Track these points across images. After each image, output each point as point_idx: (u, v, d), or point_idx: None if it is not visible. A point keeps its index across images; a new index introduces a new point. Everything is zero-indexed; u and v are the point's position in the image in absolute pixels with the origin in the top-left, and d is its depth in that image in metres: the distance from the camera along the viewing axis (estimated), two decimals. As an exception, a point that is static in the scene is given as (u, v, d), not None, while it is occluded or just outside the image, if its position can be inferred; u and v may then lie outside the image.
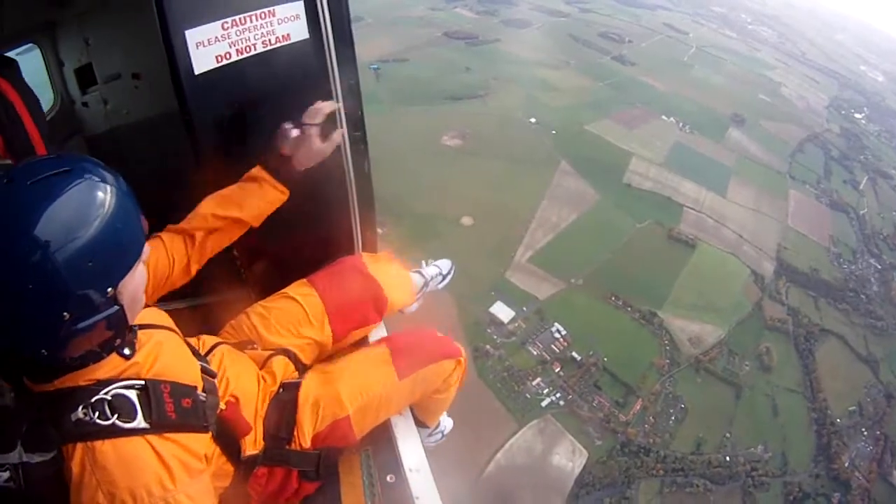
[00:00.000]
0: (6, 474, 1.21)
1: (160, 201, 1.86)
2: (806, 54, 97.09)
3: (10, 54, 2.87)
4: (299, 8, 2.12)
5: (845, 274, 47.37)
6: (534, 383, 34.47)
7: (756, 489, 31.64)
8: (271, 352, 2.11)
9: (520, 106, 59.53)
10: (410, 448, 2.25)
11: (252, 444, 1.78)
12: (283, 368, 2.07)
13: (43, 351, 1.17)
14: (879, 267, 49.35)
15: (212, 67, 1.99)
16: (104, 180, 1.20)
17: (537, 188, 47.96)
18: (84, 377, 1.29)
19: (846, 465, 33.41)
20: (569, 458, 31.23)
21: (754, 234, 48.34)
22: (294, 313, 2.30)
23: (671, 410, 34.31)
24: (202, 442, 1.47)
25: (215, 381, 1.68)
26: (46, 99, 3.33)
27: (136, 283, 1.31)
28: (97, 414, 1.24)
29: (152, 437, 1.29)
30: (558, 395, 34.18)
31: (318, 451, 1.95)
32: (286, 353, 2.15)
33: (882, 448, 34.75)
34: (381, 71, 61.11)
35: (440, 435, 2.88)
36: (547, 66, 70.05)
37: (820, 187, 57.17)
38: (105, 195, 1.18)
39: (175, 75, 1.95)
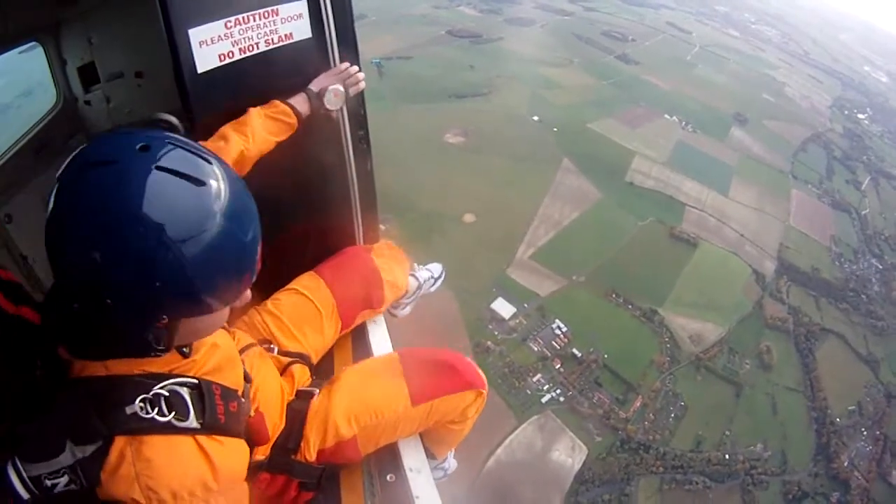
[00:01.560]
0: (65, 478, 1.11)
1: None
2: (809, 54, 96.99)
3: (14, 52, 2.87)
4: (302, 7, 2.12)
5: (846, 274, 47.34)
6: (534, 379, 34.56)
7: (755, 487, 31.69)
8: (289, 360, 2.11)
9: (523, 104, 59.56)
10: (410, 448, 2.24)
11: (260, 451, 1.76)
12: (299, 375, 2.08)
13: (123, 325, 1.09)
14: (881, 267, 49.35)
15: (215, 66, 1.98)
16: (234, 204, 1.09)
17: (540, 186, 47.99)
18: (139, 366, 1.22)
19: (845, 464, 33.44)
20: (568, 455, 31.30)
21: (756, 233, 48.32)
22: (305, 310, 2.31)
23: (671, 408, 34.36)
24: (242, 448, 1.43)
25: (249, 386, 1.64)
26: (49, 97, 3.33)
27: (210, 323, 1.24)
28: (156, 410, 1.18)
29: (202, 438, 1.25)
30: (558, 391, 34.26)
31: (322, 465, 1.93)
32: (302, 358, 2.16)
33: (881, 448, 34.78)
34: (383, 68, 61.04)
35: (442, 473, 2.70)
36: (550, 65, 70.06)
37: (822, 187, 57.14)
38: (228, 221, 1.07)
39: (178, 74, 1.94)
